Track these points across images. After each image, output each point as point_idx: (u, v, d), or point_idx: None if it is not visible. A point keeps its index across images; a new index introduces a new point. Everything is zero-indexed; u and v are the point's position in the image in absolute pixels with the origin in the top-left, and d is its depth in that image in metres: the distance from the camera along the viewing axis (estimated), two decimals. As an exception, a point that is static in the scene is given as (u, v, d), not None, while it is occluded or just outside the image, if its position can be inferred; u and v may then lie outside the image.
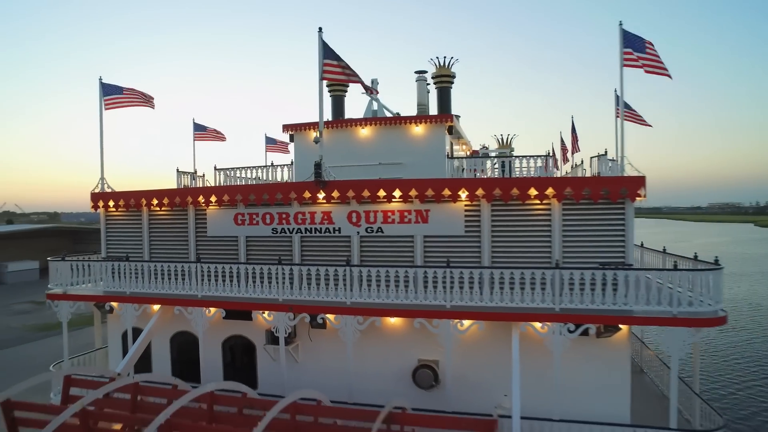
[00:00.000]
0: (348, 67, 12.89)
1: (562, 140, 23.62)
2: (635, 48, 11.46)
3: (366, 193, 12.52)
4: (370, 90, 14.14)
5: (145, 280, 13.50)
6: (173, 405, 9.02)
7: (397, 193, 12.30)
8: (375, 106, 18.51)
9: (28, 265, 53.76)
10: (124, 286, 13.67)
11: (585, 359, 11.39)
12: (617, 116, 17.12)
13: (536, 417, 10.74)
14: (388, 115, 18.29)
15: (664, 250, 13.37)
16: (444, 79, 19.45)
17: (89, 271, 14.39)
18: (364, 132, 16.73)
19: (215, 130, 20.87)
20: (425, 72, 19.05)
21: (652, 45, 11.72)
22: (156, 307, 13.66)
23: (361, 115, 18.86)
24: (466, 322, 11.15)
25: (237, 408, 10.53)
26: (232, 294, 12.66)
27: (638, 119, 17.08)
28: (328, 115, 19.38)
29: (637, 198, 11.24)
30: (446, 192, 12.00)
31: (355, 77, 13.03)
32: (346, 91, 20.16)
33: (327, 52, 12.77)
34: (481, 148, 24.65)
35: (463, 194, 11.94)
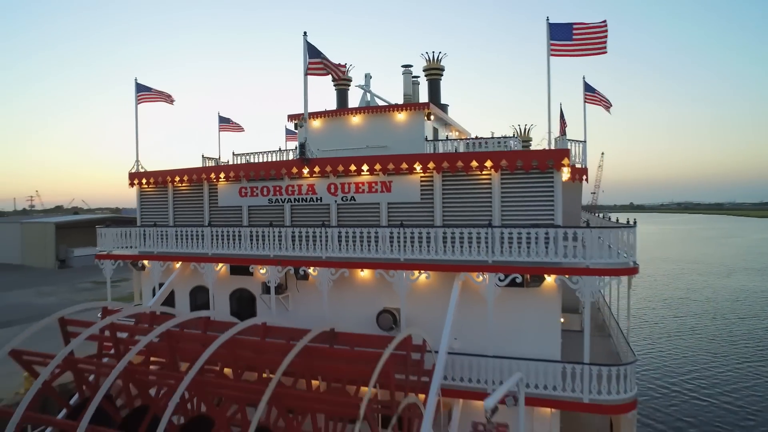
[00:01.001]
0: (328, 61, 15.39)
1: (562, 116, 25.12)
2: (562, 38, 13.21)
3: (340, 168, 15.00)
4: (339, 76, 16.17)
5: (169, 242, 16.60)
6: (237, 326, 11.71)
7: (364, 167, 14.70)
8: (368, 97, 20.93)
9: (91, 251, 59.76)
10: (152, 247, 16.85)
11: (522, 306, 13.36)
12: (585, 101, 18.95)
13: (474, 354, 12.88)
14: (381, 104, 20.66)
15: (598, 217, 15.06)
16: (434, 72, 21.63)
17: (128, 237, 17.67)
18: (356, 120, 19.18)
19: (236, 122, 23.97)
20: (411, 66, 21.29)
21: (583, 26, 13.33)
22: (177, 264, 16.77)
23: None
24: (416, 273, 13.43)
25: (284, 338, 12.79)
26: (236, 252, 15.49)
27: (601, 102, 18.70)
28: (333, 106, 21.95)
29: (562, 168, 13.09)
30: (404, 165, 14.29)
31: (333, 70, 15.51)
32: (349, 85, 22.70)
33: (311, 52, 15.30)
34: (502, 138, 26.56)
35: (418, 167, 14.18)
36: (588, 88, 18.60)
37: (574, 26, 13.28)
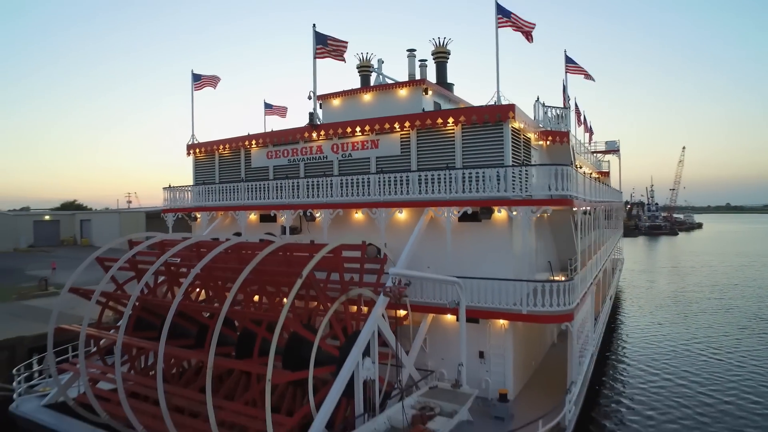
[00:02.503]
0: (333, 44, 19.02)
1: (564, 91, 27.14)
2: (504, 14, 15.94)
3: (340, 131, 18.59)
4: (341, 52, 19.59)
5: (215, 197, 21.05)
6: (280, 240, 15.38)
7: (357, 129, 18.18)
8: (381, 79, 24.36)
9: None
10: (202, 202, 21.41)
11: (479, 237, 16.13)
12: (566, 71, 21.26)
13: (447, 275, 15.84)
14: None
15: None
16: (441, 55, 24.66)
17: (186, 195, 22.39)
18: (367, 97, 22.67)
19: (280, 106, 28.36)
20: (415, 50, 24.39)
21: (517, 15, 16.13)
22: (220, 214, 21.18)
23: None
24: (393, 210, 16.66)
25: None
26: (262, 201, 19.54)
27: (581, 72, 20.91)
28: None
29: (509, 119, 15.74)
30: (386, 125, 17.60)
31: (336, 49, 19.09)
32: (370, 71, 26.26)
33: (319, 40, 19.04)
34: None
35: (397, 126, 17.43)
36: (568, 60, 20.82)
37: (512, 13, 16.12)
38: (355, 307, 14.17)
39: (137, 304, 14.58)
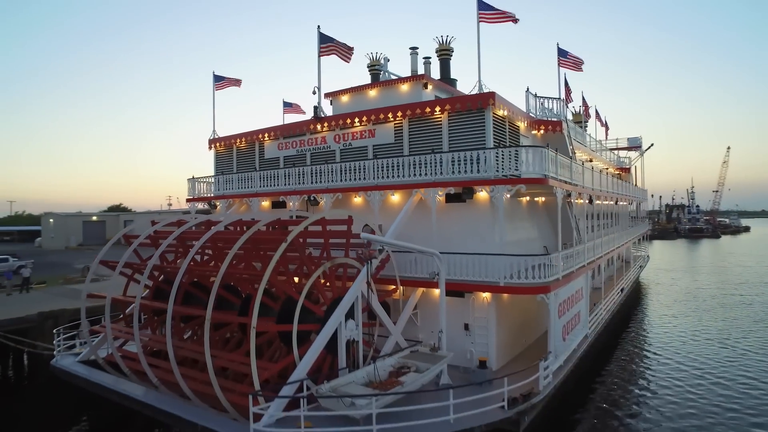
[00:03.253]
0: (337, 45, 20.72)
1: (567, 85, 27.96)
2: (484, 9, 17.14)
3: (341, 122, 20.21)
4: (347, 54, 21.23)
5: (233, 186, 23.07)
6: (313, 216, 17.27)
7: (356, 120, 19.75)
8: (387, 76, 25.88)
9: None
10: (220, 190, 23.46)
11: (465, 216, 17.35)
12: (559, 65, 22.29)
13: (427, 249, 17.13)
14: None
15: None
16: (444, 52, 25.99)
17: (207, 186, 24.54)
18: (372, 93, 24.21)
19: (298, 104, 30.33)
20: (417, 48, 25.77)
21: (498, 9, 17.31)
22: (236, 201, 23.16)
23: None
24: (386, 192, 18.09)
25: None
26: (273, 188, 21.36)
27: (573, 65, 21.87)
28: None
29: (490, 106, 16.92)
30: (381, 116, 19.08)
31: (340, 50, 20.78)
32: (380, 70, 27.84)
33: (323, 40, 20.78)
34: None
35: (391, 116, 18.89)
36: (561, 53, 21.77)
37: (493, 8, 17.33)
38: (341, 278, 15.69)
39: (155, 273, 16.59)
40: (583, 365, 20.55)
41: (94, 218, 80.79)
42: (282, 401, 12.07)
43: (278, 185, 21.27)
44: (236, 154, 24.51)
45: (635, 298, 36.94)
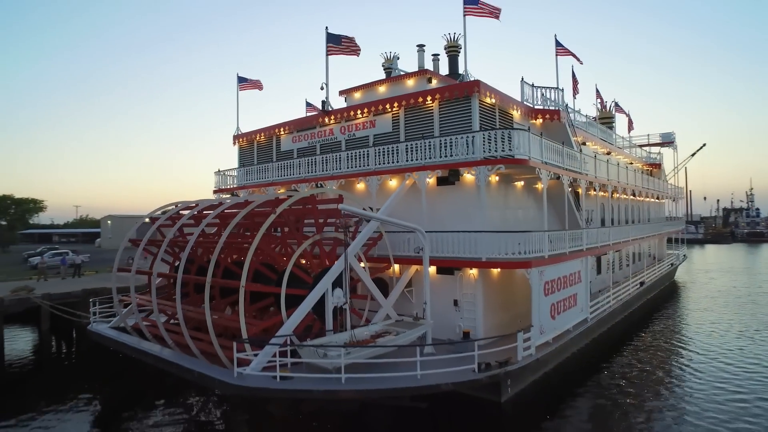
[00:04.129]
0: (346, 43, 22.34)
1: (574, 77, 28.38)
2: (470, 3, 18.20)
3: (346, 114, 21.77)
4: (355, 51, 22.69)
5: (253, 176, 25.11)
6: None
7: (359, 112, 21.25)
8: (397, 72, 27.26)
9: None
10: (242, 181, 25.55)
11: (454, 197, 18.41)
12: (557, 54, 23.03)
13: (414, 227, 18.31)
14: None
15: None
16: (452, 49, 27.11)
17: (231, 178, 26.73)
18: (381, 89, 25.66)
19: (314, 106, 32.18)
20: (424, 45, 27.01)
21: (484, 2, 18.30)
22: (255, 190, 25.17)
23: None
24: (383, 177, 19.42)
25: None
26: (287, 177, 23.18)
27: (570, 54, 22.55)
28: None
29: (476, 93, 17.93)
30: (380, 107, 20.47)
31: (348, 51, 22.37)
32: (392, 68, 29.29)
33: (331, 39, 22.45)
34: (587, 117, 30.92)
35: (389, 107, 20.24)
36: (558, 44, 22.43)
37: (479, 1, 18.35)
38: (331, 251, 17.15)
39: (171, 248, 18.72)
40: (592, 350, 20.96)
41: (147, 219, 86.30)
42: (268, 353, 13.60)
43: (292, 174, 23.06)
44: (257, 147, 26.60)
45: (666, 295, 36.25)
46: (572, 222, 22.59)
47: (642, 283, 31.34)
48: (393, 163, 19.22)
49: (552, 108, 21.75)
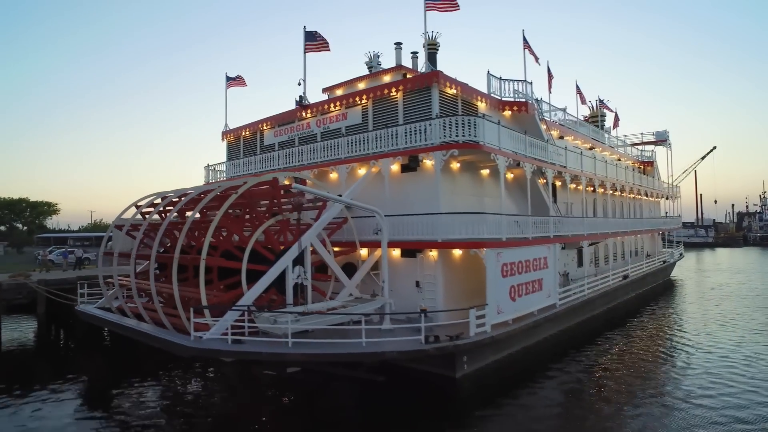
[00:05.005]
0: (320, 43, 23.52)
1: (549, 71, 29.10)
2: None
3: (321, 108, 22.88)
4: (325, 49, 23.90)
5: (239, 170, 26.36)
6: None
7: (332, 105, 22.35)
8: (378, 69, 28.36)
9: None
10: (230, 174, 26.81)
11: (416, 183, 19.29)
12: (524, 48, 23.89)
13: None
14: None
15: None
16: (431, 47, 28.03)
17: (219, 172, 28.02)
18: (361, 85, 26.73)
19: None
20: (401, 43, 28.03)
21: None
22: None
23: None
24: (350, 165, 20.42)
25: None
26: (269, 168, 24.35)
27: (530, 51, 23.43)
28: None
29: (436, 84, 18.87)
30: (351, 100, 21.54)
31: (321, 48, 23.53)
32: (374, 66, 30.36)
33: (308, 38, 23.66)
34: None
35: (358, 99, 21.29)
36: (525, 41, 23.29)
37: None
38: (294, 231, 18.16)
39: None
40: (568, 338, 21.39)
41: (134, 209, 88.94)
42: (227, 321, 14.60)
43: (272, 166, 24.22)
44: (243, 142, 27.89)
45: (659, 291, 36.36)
46: (542, 211, 23.29)
47: (625, 276, 31.67)
48: (361, 151, 20.22)
49: (521, 100, 22.56)
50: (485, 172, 21.80)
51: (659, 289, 37.31)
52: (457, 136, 17.84)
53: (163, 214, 20.74)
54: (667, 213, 50.82)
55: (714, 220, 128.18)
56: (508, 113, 23.16)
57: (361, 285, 18.85)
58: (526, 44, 23.07)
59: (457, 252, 18.62)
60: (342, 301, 17.16)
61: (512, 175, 24.40)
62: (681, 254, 49.20)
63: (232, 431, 13.20)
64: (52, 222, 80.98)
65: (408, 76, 24.97)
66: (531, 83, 23.31)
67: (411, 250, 18.80)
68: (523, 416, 13.74)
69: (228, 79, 28.35)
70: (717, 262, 62.11)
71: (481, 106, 21.54)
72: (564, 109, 29.41)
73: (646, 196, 42.66)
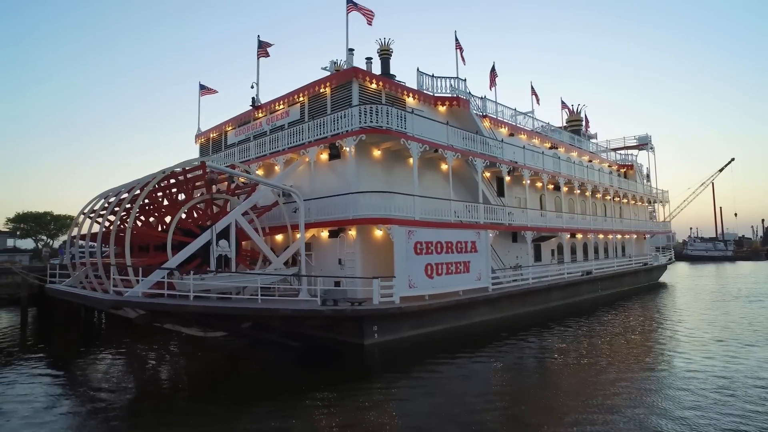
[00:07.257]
0: (264, 49, 25.94)
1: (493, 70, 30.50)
2: (351, 2, 21.32)
3: (269, 107, 25.18)
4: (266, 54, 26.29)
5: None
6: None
7: (277, 104, 24.61)
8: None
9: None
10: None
11: (341, 170, 21.10)
12: (457, 47, 25.74)
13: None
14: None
15: None
16: (384, 53, 30.16)
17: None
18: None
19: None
20: (353, 49, 30.04)
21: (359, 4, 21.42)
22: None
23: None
24: (288, 155, 22.46)
25: None
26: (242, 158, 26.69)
27: (460, 49, 25.23)
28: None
29: (355, 79, 20.83)
30: (292, 98, 23.73)
31: (265, 54, 25.95)
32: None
33: (261, 45, 26.12)
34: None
35: (297, 97, 23.46)
36: (457, 41, 25.08)
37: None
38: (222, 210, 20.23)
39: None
40: (509, 324, 21.97)
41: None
42: (150, 281, 16.55)
43: (234, 160, 26.55)
44: (211, 143, 30.44)
45: (641, 292, 35.90)
46: (482, 199, 24.60)
47: (588, 273, 32.19)
48: (297, 142, 22.28)
49: (454, 96, 24.29)
50: (411, 161, 23.43)
51: (642, 291, 36.80)
52: (370, 122, 19.67)
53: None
54: (656, 218, 50.68)
55: (742, 235, 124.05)
56: (442, 108, 24.85)
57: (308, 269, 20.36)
58: (458, 44, 24.84)
59: (377, 232, 20.20)
60: (259, 271, 18.99)
61: (446, 167, 25.95)
62: (670, 259, 48.84)
63: (169, 389, 14.48)
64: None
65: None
66: (465, 80, 25.01)
67: (335, 230, 20.50)
68: (433, 382, 13.80)
69: (201, 87, 31.12)
70: (726, 274, 60.83)
71: (410, 100, 23.32)
72: (515, 109, 30.83)
73: (626, 199, 42.95)
